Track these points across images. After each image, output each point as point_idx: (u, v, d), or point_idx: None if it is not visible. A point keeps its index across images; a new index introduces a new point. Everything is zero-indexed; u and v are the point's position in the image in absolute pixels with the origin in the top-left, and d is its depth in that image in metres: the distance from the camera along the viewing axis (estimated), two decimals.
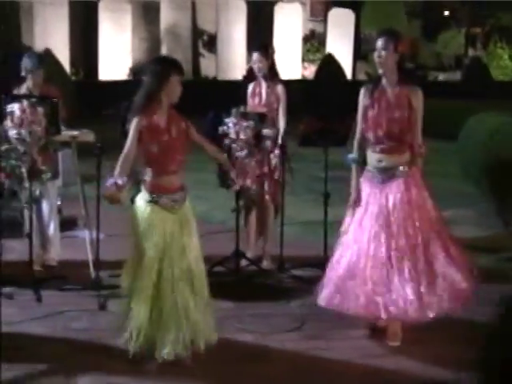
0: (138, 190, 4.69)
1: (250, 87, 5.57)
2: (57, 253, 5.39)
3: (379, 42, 3.91)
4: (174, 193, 3.68)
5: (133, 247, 3.71)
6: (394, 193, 3.95)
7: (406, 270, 3.88)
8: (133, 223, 3.70)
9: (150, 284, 3.61)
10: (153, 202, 3.64)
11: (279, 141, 5.40)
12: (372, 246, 3.94)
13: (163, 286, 3.62)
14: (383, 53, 3.88)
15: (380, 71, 3.94)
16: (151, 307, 3.63)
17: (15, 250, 5.44)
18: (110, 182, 3.54)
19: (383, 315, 3.90)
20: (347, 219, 4.14)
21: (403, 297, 3.86)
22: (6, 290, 4.80)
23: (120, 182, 3.52)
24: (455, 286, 3.94)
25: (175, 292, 3.63)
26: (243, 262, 5.34)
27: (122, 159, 3.63)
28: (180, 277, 3.65)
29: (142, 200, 3.71)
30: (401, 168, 3.96)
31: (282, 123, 5.43)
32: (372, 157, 4.01)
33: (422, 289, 3.86)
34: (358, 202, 4.07)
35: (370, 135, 3.96)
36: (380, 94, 3.95)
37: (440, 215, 4.10)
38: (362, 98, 4.00)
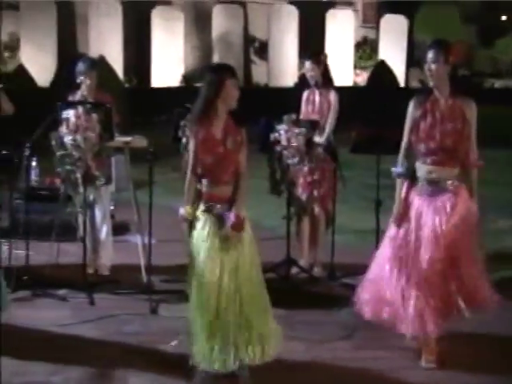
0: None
1: (305, 94, 5.56)
2: (109, 257, 5.48)
3: (429, 55, 3.82)
4: (227, 203, 3.64)
5: (190, 258, 3.68)
6: (442, 207, 3.85)
7: (449, 285, 3.81)
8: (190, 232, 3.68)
9: (208, 294, 3.57)
10: (207, 211, 3.64)
11: (322, 142, 5.35)
12: (416, 259, 3.86)
13: (221, 297, 3.58)
14: (433, 66, 3.79)
15: (431, 84, 3.86)
16: (208, 317, 3.59)
17: (69, 253, 5.55)
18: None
19: (430, 331, 3.82)
20: (391, 231, 4.04)
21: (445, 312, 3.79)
22: (60, 292, 4.92)
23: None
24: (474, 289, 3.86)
25: (231, 303, 3.59)
26: (294, 270, 5.34)
27: (189, 173, 3.65)
28: (236, 287, 3.60)
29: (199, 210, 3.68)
30: (450, 182, 3.88)
31: (327, 128, 5.41)
32: (422, 168, 3.92)
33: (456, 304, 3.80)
34: (400, 216, 3.98)
35: (422, 147, 3.87)
36: (432, 106, 3.86)
37: (475, 236, 3.97)
38: (412, 110, 3.91)
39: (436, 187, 3.88)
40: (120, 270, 5.41)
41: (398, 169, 4.02)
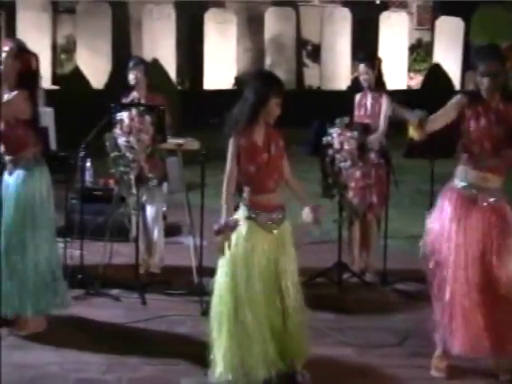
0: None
1: (357, 98, 5.54)
2: (161, 258, 5.54)
3: (480, 69, 3.74)
4: (272, 212, 3.61)
5: (229, 264, 3.60)
6: (492, 218, 3.74)
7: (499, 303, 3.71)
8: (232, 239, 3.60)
9: (246, 302, 3.55)
10: (251, 218, 3.59)
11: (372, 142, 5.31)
12: (470, 274, 3.74)
13: (254, 306, 3.54)
14: (485, 80, 3.72)
15: (483, 94, 3.77)
16: (240, 327, 3.56)
17: (122, 253, 5.64)
18: (220, 224, 3.49)
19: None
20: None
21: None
22: (114, 291, 5.00)
23: (231, 223, 3.49)
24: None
25: (265, 313, 3.55)
26: (345, 274, 5.31)
27: (226, 181, 3.59)
28: (274, 299, 3.58)
29: (240, 217, 3.63)
30: (499, 190, 3.78)
31: (379, 130, 5.37)
32: (471, 174, 3.80)
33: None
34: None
35: (472, 150, 3.77)
36: (484, 108, 3.76)
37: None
38: (460, 103, 3.78)
39: (486, 195, 3.76)
40: (172, 271, 5.47)
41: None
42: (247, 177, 3.61)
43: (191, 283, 5.10)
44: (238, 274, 3.54)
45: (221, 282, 3.62)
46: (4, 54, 4.16)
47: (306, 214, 3.63)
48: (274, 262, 3.60)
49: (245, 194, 3.63)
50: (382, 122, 5.39)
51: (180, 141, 5.41)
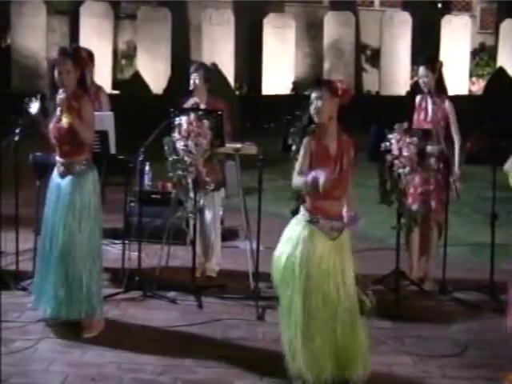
0: (299, 205, 4.75)
1: (417, 100, 5.46)
2: (217, 261, 5.58)
3: None
4: (333, 218, 3.58)
5: (289, 268, 3.58)
6: None
7: None
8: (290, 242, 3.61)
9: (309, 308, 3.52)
10: (312, 222, 3.57)
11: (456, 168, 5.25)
12: None
13: (314, 314, 3.52)
14: None
15: None
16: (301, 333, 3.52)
17: (179, 256, 5.70)
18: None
19: None
20: None
21: None
22: (170, 294, 5.06)
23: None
24: None
25: (323, 322, 3.53)
26: (403, 282, 5.24)
27: (295, 177, 3.63)
28: (330, 308, 3.54)
29: (300, 220, 3.63)
30: None
31: (456, 141, 5.29)
32: None
33: None
34: None
35: None
36: None
37: None
38: None
39: None
40: (228, 275, 5.50)
41: None
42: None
43: (247, 288, 5.11)
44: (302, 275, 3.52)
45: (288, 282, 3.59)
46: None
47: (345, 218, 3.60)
48: (333, 267, 3.56)
49: (307, 198, 3.61)
50: (456, 131, 5.31)
51: (238, 145, 5.44)
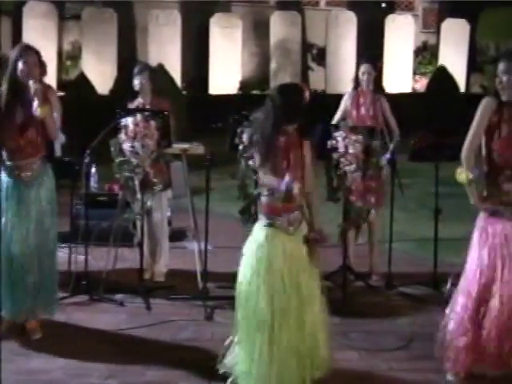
0: (247, 204, 4.75)
1: (350, 96, 5.53)
2: (165, 263, 5.54)
3: (500, 67, 3.64)
4: (289, 213, 3.54)
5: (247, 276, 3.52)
6: None
7: None
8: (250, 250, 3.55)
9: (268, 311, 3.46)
10: (269, 225, 3.52)
11: (388, 154, 5.35)
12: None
13: (277, 314, 3.46)
14: (505, 78, 3.61)
15: (503, 97, 3.65)
16: (264, 340, 3.45)
17: (127, 258, 5.64)
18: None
19: None
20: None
21: None
22: (118, 296, 5.00)
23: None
24: None
25: (288, 322, 3.47)
26: (350, 278, 5.30)
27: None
28: (295, 306, 3.50)
29: (258, 226, 3.57)
30: None
31: (395, 135, 5.40)
32: (498, 186, 3.65)
33: None
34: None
35: (497, 160, 3.62)
36: (508, 117, 3.63)
37: None
38: (488, 111, 3.63)
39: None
40: (176, 276, 5.47)
41: (474, 170, 3.69)
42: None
43: (196, 288, 5.09)
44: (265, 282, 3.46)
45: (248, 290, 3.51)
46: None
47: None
48: (297, 261, 3.52)
49: (262, 199, 3.57)
50: (395, 126, 5.40)
51: (185, 146, 5.42)
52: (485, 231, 3.71)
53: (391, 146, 5.38)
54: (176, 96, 11.20)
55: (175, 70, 13.73)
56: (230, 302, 4.68)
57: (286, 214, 3.53)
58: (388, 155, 5.36)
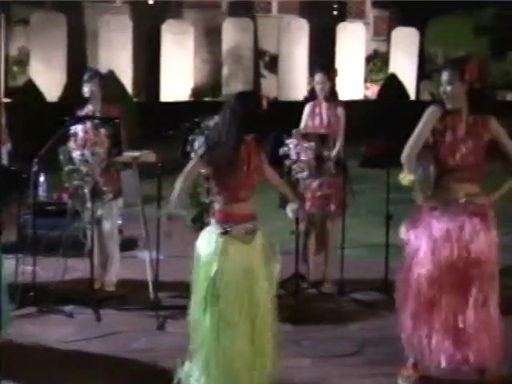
0: (200, 212, 4.75)
1: (308, 107, 5.59)
2: (116, 272, 5.49)
3: (444, 77, 3.74)
4: (245, 221, 3.53)
5: (201, 283, 3.52)
6: (472, 231, 3.75)
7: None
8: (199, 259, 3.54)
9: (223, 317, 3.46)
10: (224, 233, 3.49)
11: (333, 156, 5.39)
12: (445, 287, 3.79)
13: (227, 325, 3.46)
14: (449, 88, 3.71)
15: (449, 106, 3.75)
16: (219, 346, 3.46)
17: (77, 268, 5.57)
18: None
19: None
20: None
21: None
22: (67, 308, 4.93)
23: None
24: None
25: (242, 328, 3.48)
26: (303, 285, 5.33)
27: (183, 178, 3.55)
28: (249, 313, 3.50)
29: (211, 234, 3.55)
30: (474, 200, 3.77)
31: (338, 143, 5.44)
32: (444, 186, 3.78)
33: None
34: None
35: (443, 164, 3.76)
36: (453, 122, 3.76)
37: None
38: (433, 119, 3.74)
39: (462, 207, 3.76)
40: (127, 285, 5.42)
41: (416, 172, 3.79)
42: (220, 186, 3.52)
43: (147, 298, 5.05)
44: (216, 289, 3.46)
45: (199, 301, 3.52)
46: None
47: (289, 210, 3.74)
48: (252, 271, 3.53)
49: (216, 206, 3.56)
50: (341, 135, 5.46)
51: (136, 153, 5.38)
52: (429, 227, 3.84)
53: (332, 153, 5.39)
54: (127, 103, 11.14)
55: (126, 77, 13.64)
56: (182, 311, 4.69)
57: (242, 222, 3.53)
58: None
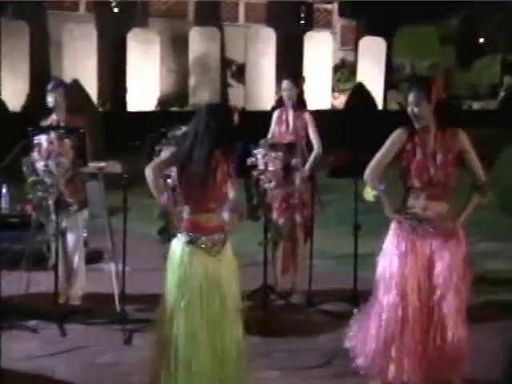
0: (166, 224, 4.72)
1: (276, 114, 5.63)
2: (82, 286, 5.44)
3: (410, 98, 3.80)
4: (212, 233, 3.54)
5: (168, 295, 3.52)
6: (440, 249, 3.79)
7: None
8: (169, 268, 3.54)
9: (187, 330, 3.46)
10: (191, 242, 3.50)
11: (307, 168, 5.41)
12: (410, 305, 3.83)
13: (199, 335, 3.46)
14: (416, 110, 3.77)
15: (416, 126, 3.81)
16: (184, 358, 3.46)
17: (41, 282, 5.50)
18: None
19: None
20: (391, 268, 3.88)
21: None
22: (31, 323, 4.86)
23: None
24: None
25: (209, 341, 3.48)
26: (271, 297, 5.34)
27: (152, 168, 3.55)
28: (215, 326, 3.51)
29: (178, 242, 3.55)
30: (445, 217, 3.81)
31: (315, 148, 5.48)
32: (414, 204, 3.84)
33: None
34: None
35: (415, 181, 3.81)
36: (422, 139, 3.81)
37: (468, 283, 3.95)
38: (400, 138, 3.82)
39: (430, 225, 3.81)
40: (93, 299, 5.37)
41: (380, 186, 3.87)
42: (188, 196, 3.53)
43: (113, 311, 5.01)
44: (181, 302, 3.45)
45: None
46: None
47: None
48: (217, 286, 3.52)
49: (184, 214, 3.55)
50: (318, 143, 5.48)
51: (101, 164, 5.35)
52: (396, 239, 3.89)
53: (308, 163, 5.45)
54: (92, 113, 11.07)
55: (91, 86, 13.56)
56: (149, 324, 4.67)
57: (210, 233, 3.53)
58: (306, 168, 5.42)
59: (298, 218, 5.49)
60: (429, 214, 3.81)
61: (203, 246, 3.50)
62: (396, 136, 3.86)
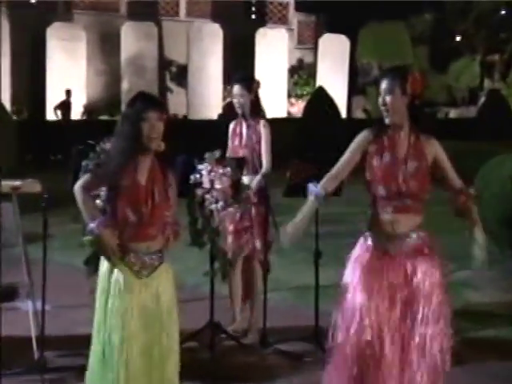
0: (94, 252, 4.68)
1: (231, 126, 5.62)
2: None
3: (383, 85, 3.77)
4: (146, 254, 3.57)
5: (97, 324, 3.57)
6: (413, 269, 3.78)
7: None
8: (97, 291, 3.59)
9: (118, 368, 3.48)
10: (123, 266, 3.53)
11: (253, 187, 5.41)
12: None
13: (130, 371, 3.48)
14: (388, 98, 3.75)
15: (387, 120, 3.79)
16: None
17: None
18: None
19: None
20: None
21: None
22: None
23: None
24: None
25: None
26: (220, 336, 5.33)
27: (83, 189, 3.59)
28: (143, 367, 3.52)
29: (105, 264, 3.60)
30: (416, 234, 3.81)
31: (264, 166, 5.47)
32: (380, 218, 3.81)
33: None
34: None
35: (381, 190, 3.80)
36: (390, 142, 3.81)
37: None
38: (364, 142, 3.81)
39: (400, 242, 3.80)
40: (7, 344, 5.27)
41: (316, 189, 3.81)
42: (125, 222, 3.53)
43: (30, 358, 4.94)
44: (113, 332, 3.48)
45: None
46: None
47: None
48: (150, 316, 3.54)
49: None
50: (268, 156, 5.48)
51: (17, 182, 5.29)
52: (360, 261, 3.88)
53: (255, 181, 5.43)
54: (4, 122, 10.94)
55: (3, 90, 13.44)
56: (72, 372, 4.61)
57: (142, 254, 3.55)
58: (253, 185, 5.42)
59: (256, 243, 5.48)
60: (400, 230, 3.79)
61: (131, 266, 3.54)
62: (360, 137, 3.84)
